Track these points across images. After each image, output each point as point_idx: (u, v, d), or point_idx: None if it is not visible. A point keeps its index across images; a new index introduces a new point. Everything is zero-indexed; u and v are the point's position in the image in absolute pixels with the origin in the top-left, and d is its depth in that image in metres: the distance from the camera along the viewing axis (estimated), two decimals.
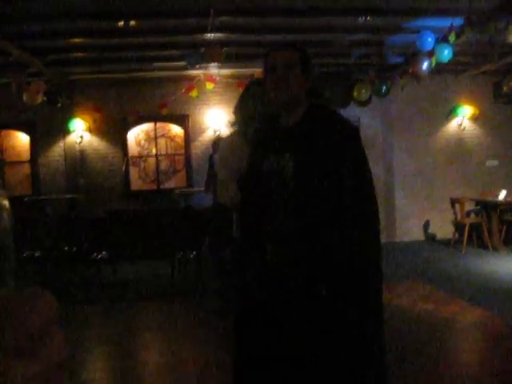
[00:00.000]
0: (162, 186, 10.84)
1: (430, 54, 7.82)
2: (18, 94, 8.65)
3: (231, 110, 3.37)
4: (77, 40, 7.56)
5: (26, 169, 10.47)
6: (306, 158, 2.21)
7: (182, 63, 8.61)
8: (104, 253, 8.30)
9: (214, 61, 8.33)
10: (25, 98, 8.66)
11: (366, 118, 10.75)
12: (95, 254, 8.24)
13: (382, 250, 2.31)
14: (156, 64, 9.17)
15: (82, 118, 10.31)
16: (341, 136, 2.25)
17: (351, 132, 2.31)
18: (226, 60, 8.35)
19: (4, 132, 10.46)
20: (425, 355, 4.50)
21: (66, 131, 10.37)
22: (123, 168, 10.53)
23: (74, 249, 8.47)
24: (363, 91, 9.98)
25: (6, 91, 8.81)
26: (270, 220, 2.25)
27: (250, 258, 2.33)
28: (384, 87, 9.92)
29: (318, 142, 2.22)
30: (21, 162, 10.45)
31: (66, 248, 8.45)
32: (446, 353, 4.69)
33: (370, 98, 10.20)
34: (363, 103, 10.32)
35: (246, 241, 2.39)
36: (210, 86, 9.68)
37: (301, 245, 2.18)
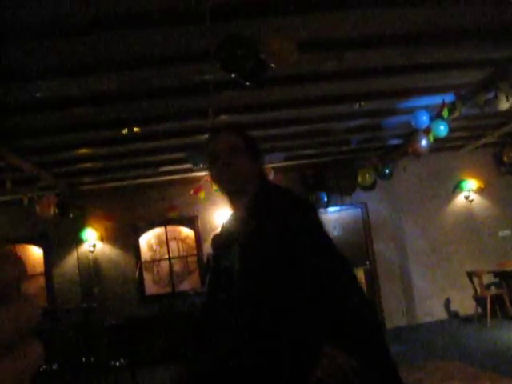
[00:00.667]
0: (176, 289, 10.78)
1: (427, 131, 7.99)
2: (30, 208, 8.84)
3: None
4: (83, 151, 7.79)
5: (41, 281, 10.50)
6: (251, 250, 1.98)
7: (187, 165, 8.78)
8: (122, 360, 8.16)
9: None
10: (37, 211, 8.82)
11: (372, 202, 10.85)
12: (113, 362, 8.10)
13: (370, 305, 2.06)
14: (162, 168, 9.36)
15: (94, 227, 10.48)
16: (289, 216, 1.98)
17: (300, 207, 2.06)
18: None
19: (18, 246, 10.51)
20: None
21: (78, 241, 10.50)
22: (137, 273, 10.55)
23: (92, 358, 8.34)
24: (367, 176, 10.10)
25: (19, 206, 9.03)
26: (224, 321, 2.03)
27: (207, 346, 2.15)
28: (387, 170, 10.05)
29: (263, 229, 1.96)
30: (35, 275, 10.45)
31: (84, 358, 8.32)
32: None
33: (374, 181, 10.32)
34: (368, 188, 10.43)
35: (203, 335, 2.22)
36: (216, 186, 9.75)
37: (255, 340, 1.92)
